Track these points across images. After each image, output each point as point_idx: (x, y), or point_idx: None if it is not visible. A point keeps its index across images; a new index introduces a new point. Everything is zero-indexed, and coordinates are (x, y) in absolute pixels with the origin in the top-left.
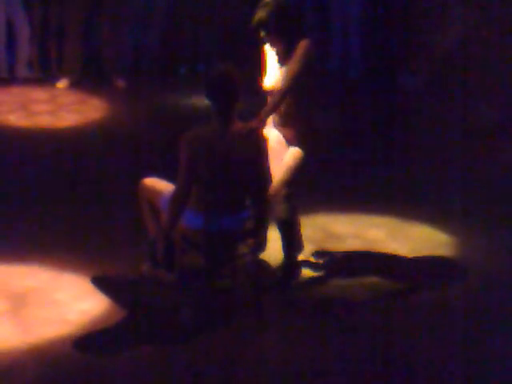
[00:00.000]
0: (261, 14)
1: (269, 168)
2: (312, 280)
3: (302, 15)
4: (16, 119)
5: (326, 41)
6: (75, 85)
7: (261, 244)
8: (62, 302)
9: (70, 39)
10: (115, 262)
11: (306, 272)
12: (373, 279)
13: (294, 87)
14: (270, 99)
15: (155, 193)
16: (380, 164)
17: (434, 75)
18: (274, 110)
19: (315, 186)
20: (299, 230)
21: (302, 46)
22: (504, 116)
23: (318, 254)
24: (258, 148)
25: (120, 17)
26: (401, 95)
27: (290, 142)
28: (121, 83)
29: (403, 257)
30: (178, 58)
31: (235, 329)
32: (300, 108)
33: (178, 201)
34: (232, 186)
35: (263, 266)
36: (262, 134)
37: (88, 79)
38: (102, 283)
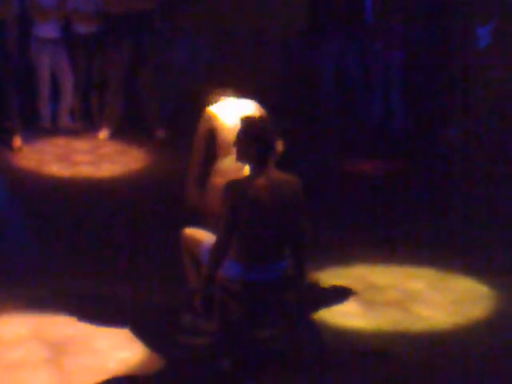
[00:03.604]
0: None
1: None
2: (351, 331)
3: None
4: (58, 169)
5: (367, 93)
6: (116, 135)
7: (301, 292)
8: (101, 350)
9: (111, 90)
10: (154, 311)
11: (344, 322)
12: (412, 331)
13: None
14: None
15: (196, 242)
16: (421, 215)
17: (475, 129)
18: None
19: (354, 237)
20: None
21: None
22: None
23: (357, 304)
24: (297, 196)
25: (161, 68)
26: (442, 147)
27: None
28: (161, 134)
29: (443, 310)
30: None
31: (274, 379)
32: None
33: (219, 251)
34: (271, 235)
35: (303, 315)
36: (298, 181)
37: (129, 130)
38: (141, 332)
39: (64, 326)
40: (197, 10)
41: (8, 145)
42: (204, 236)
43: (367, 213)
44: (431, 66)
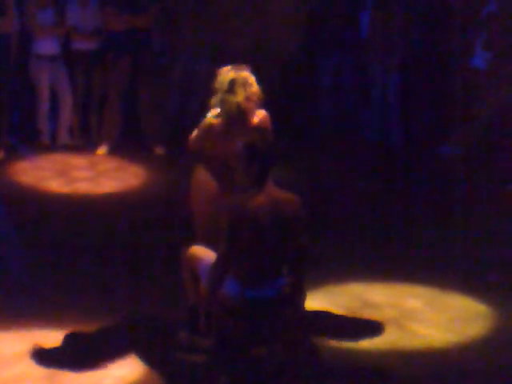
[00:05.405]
0: None
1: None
2: (347, 349)
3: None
4: (57, 185)
5: (365, 109)
6: (114, 151)
7: (298, 311)
8: (98, 367)
9: (110, 107)
10: (152, 328)
11: (341, 340)
12: (408, 349)
13: None
14: None
15: (196, 260)
16: (418, 233)
17: (472, 146)
18: None
19: (351, 254)
20: None
21: None
22: None
23: (353, 322)
24: (296, 215)
25: (160, 84)
26: (440, 164)
27: None
28: (160, 150)
29: (440, 328)
30: None
31: None
32: None
33: (220, 268)
34: (270, 253)
35: (300, 333)
36: (298, 200)
37: (127, 146)
38: (138, 349)
39: (61, 343)
40: (195, 28)
41: None
42: (204, 253)
43: (364, 231)
44: (429, 82)
